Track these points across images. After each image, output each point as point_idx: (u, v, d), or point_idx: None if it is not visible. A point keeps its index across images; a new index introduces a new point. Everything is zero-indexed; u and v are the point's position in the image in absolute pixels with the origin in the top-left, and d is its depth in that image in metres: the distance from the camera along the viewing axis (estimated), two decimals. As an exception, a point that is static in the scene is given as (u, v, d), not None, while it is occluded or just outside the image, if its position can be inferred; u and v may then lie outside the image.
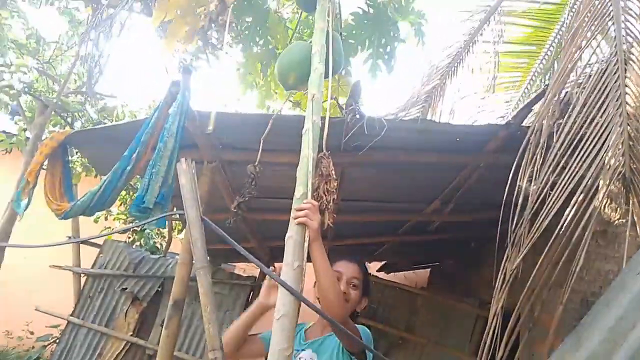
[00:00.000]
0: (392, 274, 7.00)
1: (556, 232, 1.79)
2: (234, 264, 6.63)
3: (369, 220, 4.23)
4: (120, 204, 6.54)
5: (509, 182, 2.06)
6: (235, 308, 5.05)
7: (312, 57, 2.01)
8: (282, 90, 3.66)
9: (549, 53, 4.85)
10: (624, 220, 2.05)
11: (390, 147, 2.79)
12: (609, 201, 2.07)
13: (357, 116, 2.47)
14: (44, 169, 2.93)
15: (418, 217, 4.14)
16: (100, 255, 5.69)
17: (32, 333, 6.47)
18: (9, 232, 3.83)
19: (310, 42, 2.09)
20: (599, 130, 1.98)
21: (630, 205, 1.97)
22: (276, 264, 1.78)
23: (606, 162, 1.90)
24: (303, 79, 2.02)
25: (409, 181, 3.41)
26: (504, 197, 2.05)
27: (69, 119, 4.94)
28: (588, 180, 1.82)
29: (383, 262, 6.93)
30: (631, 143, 1.97)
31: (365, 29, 3.08)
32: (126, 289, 5.22)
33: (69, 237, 5.46)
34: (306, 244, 1.58)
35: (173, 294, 2.62)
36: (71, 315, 5.26)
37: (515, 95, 5.09)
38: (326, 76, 2.03)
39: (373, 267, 6.68)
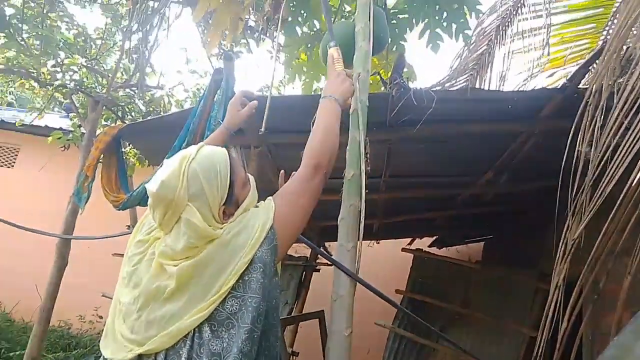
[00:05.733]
0: (444, 249, 6.90)
1: (622, 196, 1.68)
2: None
3: (419, 196, 4.16)
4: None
5: (567, 147, 1.96)
6: (289, 288, 5.13)
7: (356, 35, 1.96)
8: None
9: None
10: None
11: (438, 120, 2.70)
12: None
13: (402, 90, 2.41)
14: (100, 162, 3.06)
15: (471, 189, 4.03)
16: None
17: (100, 317, 6.85)
18: (73, 223, 4.05)
19: (354, 20, 2.05)
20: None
21: None
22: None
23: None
24: (348, 58, 1.99)
25: (459, 153, 3.31)
26: (563, 163, 1.95)
27: (120, 113, 5.11)
28: (656, 141, 1.69)
29: (434, 238, 6.83)
30: (702, 97, 1.81)
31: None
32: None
33: (128, 227, 5.70)
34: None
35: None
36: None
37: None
38: (373, 54, 1.98)
39: (425, 242, 6.60)
